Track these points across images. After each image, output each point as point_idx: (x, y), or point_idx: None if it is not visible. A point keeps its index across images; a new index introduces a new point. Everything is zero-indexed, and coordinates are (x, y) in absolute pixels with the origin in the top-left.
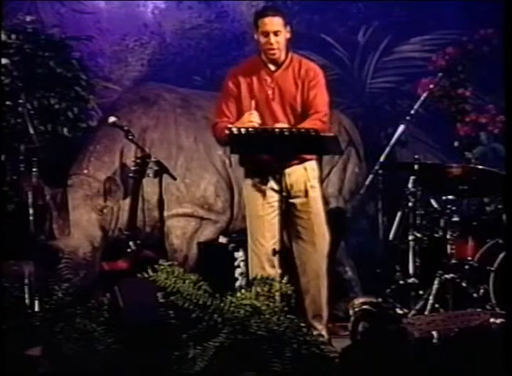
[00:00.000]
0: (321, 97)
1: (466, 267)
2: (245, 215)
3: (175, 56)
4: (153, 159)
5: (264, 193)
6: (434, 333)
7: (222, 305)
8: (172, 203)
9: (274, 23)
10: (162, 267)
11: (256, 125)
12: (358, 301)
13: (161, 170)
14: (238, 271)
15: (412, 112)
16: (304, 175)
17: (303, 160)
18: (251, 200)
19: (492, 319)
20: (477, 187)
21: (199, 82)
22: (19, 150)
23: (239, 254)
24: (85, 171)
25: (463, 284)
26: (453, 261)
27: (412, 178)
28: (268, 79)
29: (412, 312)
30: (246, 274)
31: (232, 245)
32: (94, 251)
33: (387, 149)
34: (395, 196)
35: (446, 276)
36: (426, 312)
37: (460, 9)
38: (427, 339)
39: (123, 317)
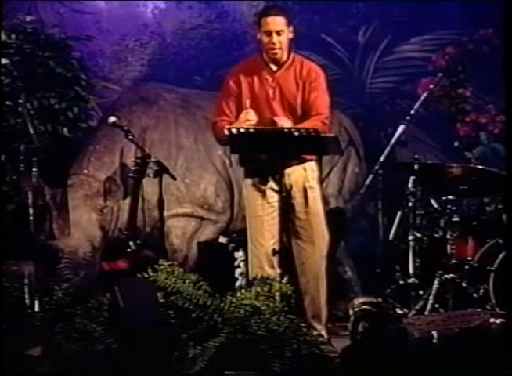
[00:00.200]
0: (322, 99)
1: (466, 267)
2: (245, 215)
3: (175, 56)
4: (153, 159)
5: (263, 193)
6: (434, 333)
7: (222, 305)
8: (172, 203)
9: (277, 22)
10: (162, 267)
11: (253, 123)
12: (358, 301)
13: (161, 170)
14: (238, 271)
15: (412, 112)
16: (303, 175)
17: (302, 161)
18: (251, 200)
19: (492, 319)
20: (477, 187)
21: (199, 82)
22: (19, 150)
23: (239, 254)
24: (85, 171)
25: (463, 284)
26: (453, 261)
27: (412, 178)
28: (270, 79)
29: (412, 312)
30: (246, 274)
31: (232, 245)
32: (94, 251)
33: (387, 149)
34: (395, 196)
35: (446, 276)
36: (426, 312)
37: (460, 8)
38: (427, 339)
39: (123, 317)
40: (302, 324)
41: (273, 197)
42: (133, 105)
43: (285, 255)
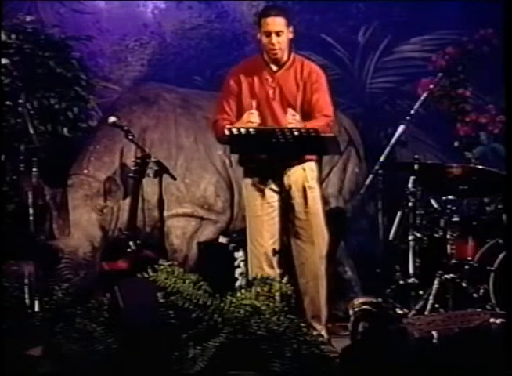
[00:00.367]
0: (325, 100)
1: (466, 267)
2: (245, 214)
3: (175, 56)
4: (153, 159)
5: (263, 193)
6: (434, 333)
7: (222, 305)
8: (172, 203)
9: (276, 23)
10: (162, 267)
11: (255, 125)
12: (358, 301)
13: (161, 170)
14: (238, 271)
15: (412, 112)
16: (302, 175)
17: (302, 161)
18: (250, 200)
19: (492, 319)
20: (477, 187)
21: (199, 82)
22: (19, 150)
23: (239, 254)
24: (85, 171)
25: (463, 284)
26: (453, 261)
27: (412, 178)
28: (270, 79)
29: (412, 312)
30: (246, 274)
31: (232, 245)
32: (94, 251)
33: (387, 149)
34: (395, 196)
35: (446, 276)
36: (426, 312)
37: (460, 8)
38: (427, 339)
39: (123, 317)
40: (302, 324)
41: (273, 197)
42: (133, 105)
43: (284, 255)
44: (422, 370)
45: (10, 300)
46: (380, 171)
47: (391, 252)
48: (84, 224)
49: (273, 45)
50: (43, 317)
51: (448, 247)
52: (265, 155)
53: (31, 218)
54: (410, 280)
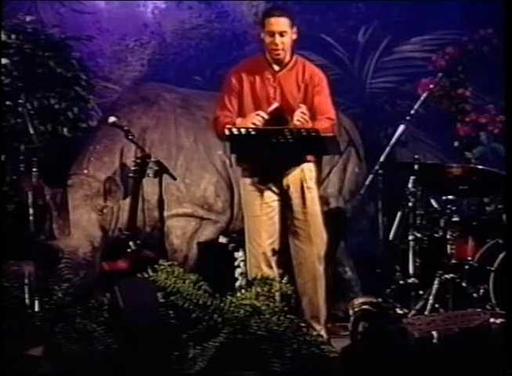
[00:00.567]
0: (327, 103)
1: (466, 267)
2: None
3: (175, 56)
4: (153, 159)
5: (261, 193)
6: (434, 333)
7: (222, 305)
8: (172, 203)
9: (280, 23)
10: (162, 267)
11: (256, 125)
12: (358, 301)
13: (161, 170)
14: (238, 271)
15: (412, 112)
16: (301, 175)
17: (300, 162)
18: (249, 201)
19: (492, 319)
20: (477, 187)
21: (199, 82)
22: (19, 150)
23: (239, 254)
24: (85, 171)
25: (463, 284)
26: (453, 261)
27: (412, 178)
28: (271, 78)
29: (412, 312)
30: (246, 274)
31: (232, 245)
32: (94, 251)
33: (387, 149)
34: (395, 196)
35: (446, 276)
36: (426, 312)
37: (460, 8)
38: (427, 339)
39: (123, 317)
40: (302, 324)
41: (271, 197)
42: (133, 105)
43: (283, 255)
44: (422, 370)
45: (10, 300)
46: (380, 171)
47: (391, 252)
48: (84, 224)
49: (276, 45)
50: (43, 317)
51: (448, 247)
52: (265, 155)
53: (31, 218)
54: (410, 280)
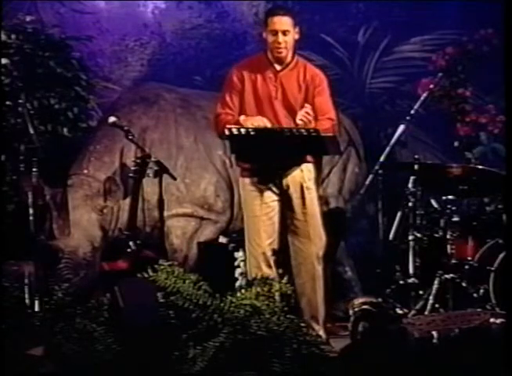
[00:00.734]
0: (328, 104)
1: (466, 267)
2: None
3: (175, 56)
4: (153, 159)
5: (261, 193)
6: (434, 333)
7: (222, 305)
8: (172, 203)
9: (283, 22)
10: (162, 267)
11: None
12: (358, 301)
13: (161, 170)
14: (238, 271)
15: (412, 112)
16: (300, 176)
17: (300, 162)
18: (248, 201)
19: (492, 319)
20: (477, 187)
21: (199, 82)
22: (19, 150)
23: (239, 254)
24: (85, 171)
25: (463, 284)
26: (453, 261)
27: (412, 178)
28: (273, 78)
29: (412, 312)
30: (246, 274)
31: (232, 245)
32: (94, 251)
33: (387, 149)
34: (395, 196)
35: (446, 276)
36: (426, 312)
37: (460, 9)
38: (427, 339)
39: (123, 317)
40: (302, 324)
41: (271, 198)
42: (133, 105)
43: (283, 255)
44: (422, 370)
45: (10, 300)
46: (380, 171)
47: (391, 252)
48: (84, 224)
49: (279, 43)
50: (43, 317)
51: (448, 247)
52: (265, 155)
53: (31, 218)
54: (410, 280)
